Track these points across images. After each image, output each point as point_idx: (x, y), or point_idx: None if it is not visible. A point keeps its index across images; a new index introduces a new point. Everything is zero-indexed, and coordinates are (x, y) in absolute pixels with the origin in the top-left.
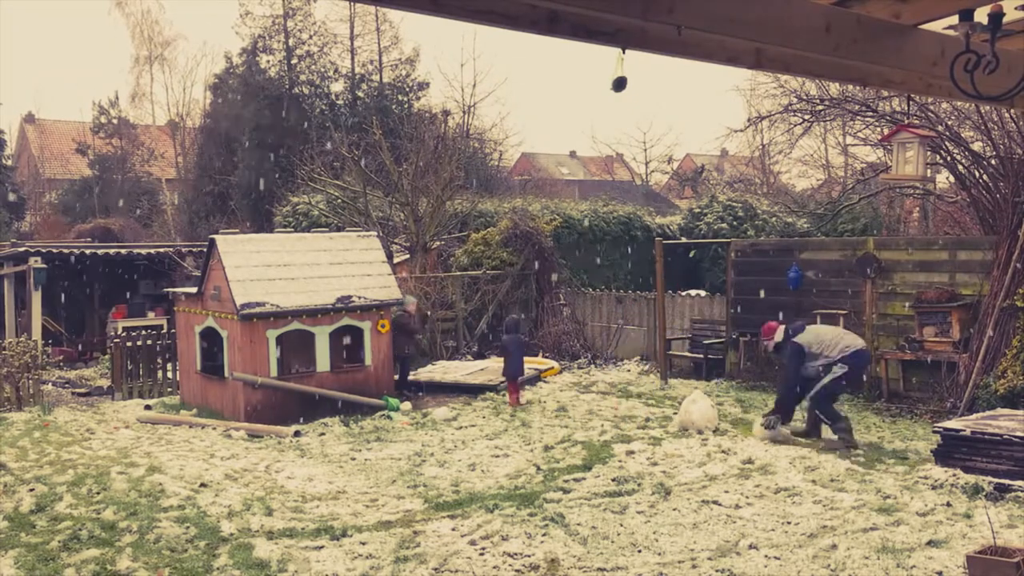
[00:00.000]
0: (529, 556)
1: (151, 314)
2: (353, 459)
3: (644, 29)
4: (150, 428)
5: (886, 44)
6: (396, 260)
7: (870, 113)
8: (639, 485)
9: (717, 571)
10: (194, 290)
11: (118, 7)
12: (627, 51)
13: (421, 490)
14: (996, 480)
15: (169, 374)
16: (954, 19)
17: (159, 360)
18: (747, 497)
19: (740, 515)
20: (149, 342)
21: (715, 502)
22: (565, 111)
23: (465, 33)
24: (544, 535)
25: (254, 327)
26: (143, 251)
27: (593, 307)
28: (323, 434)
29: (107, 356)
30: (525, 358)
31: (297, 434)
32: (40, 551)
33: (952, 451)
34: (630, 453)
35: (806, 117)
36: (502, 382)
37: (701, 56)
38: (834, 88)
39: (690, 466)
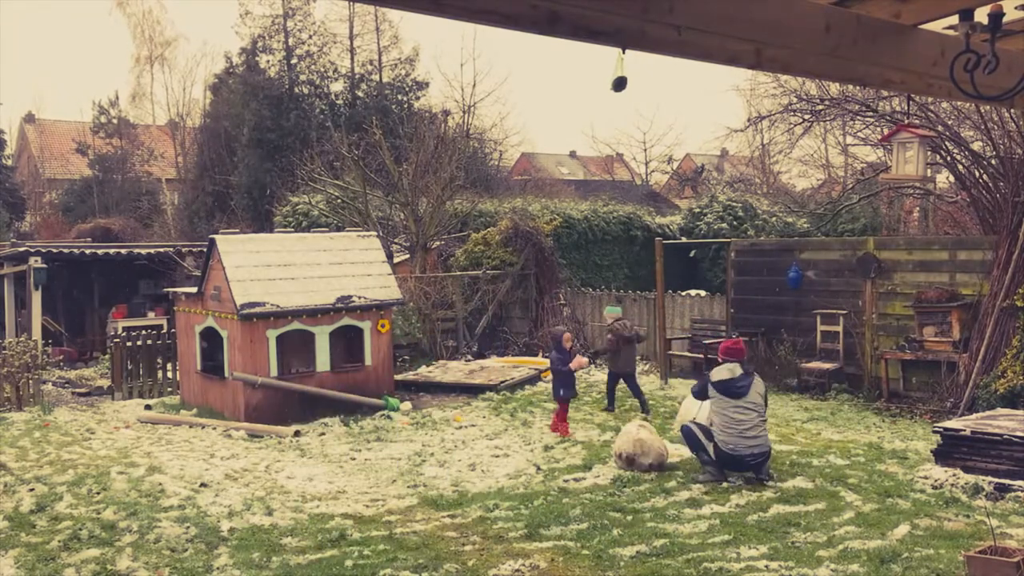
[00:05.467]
0: (529, 556)
1: (151, 314)
2: (353, 459)
3: (644, 29)
4: (150, 428)
5: (886, 44)
6: (396, 260)
7: (870, 113)
8: (639, 485)
9: (718, 571)
10: (194, 290)
11: (119, 7)
12: (627, 51)
13: (421, 490)
14: (996, 480)
15: (169, 374)
16: (954, 19)
17: (159, 360)
18: (748, 497)
19: (741, 514)
20: (149, 342)
21: (715, 501)
22: (565, 111)
23: (465, 33)
24: (544, 535)
25: (254, 327)
26: (143, 251)
27: (593, 307)
28: (323, 434)
29: (107, 356)
30: (524, 358)
31: (297, 434)
32: (40, 551)
33: (952, 451)
34: None
35: (806, 117)
36: (503, 382)
37: (701, 56)
38: (834, 88)
39: (690, 464)
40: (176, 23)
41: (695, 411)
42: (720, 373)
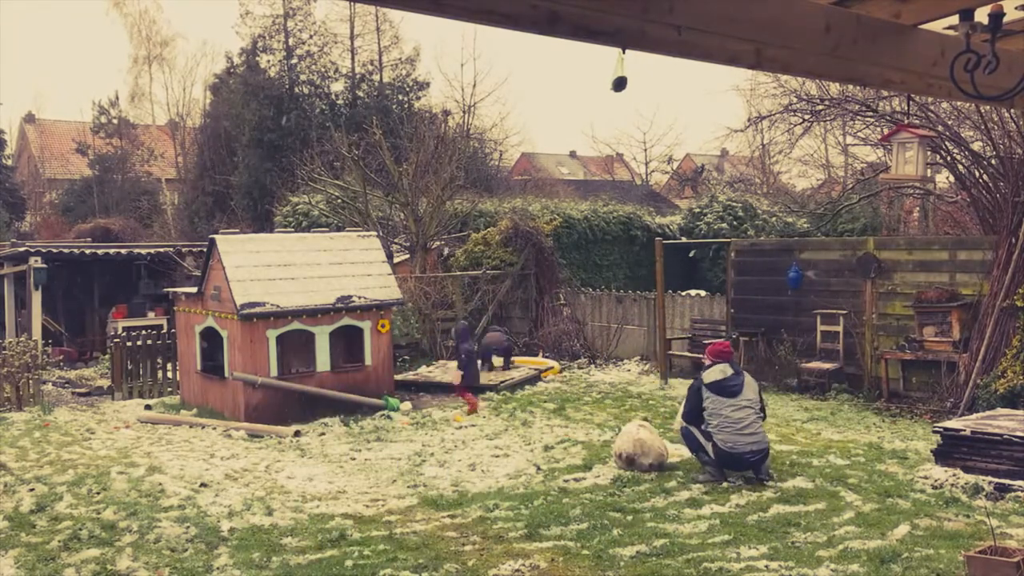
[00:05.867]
0: (529, 556)
1: (151, 314)
2: (353, 459)
3: (644, 29)
4: (150, 428)
5: (886, 44)
6: (396, 260)
7: (870, 113)
8: (639, 485)
9: (718, 571)
10: (194, 290)
11: (115, 7)
12: (627, 51)
13: (421, 490)
14: (996, 480)
15: (169, 374)
16: (954, 19)
17: (159, 360)
18: (748, 497)
19: (741, 514)
20: (149, 342)
21: (715, 501)
22: (565, 111)
23: (465, 33)
24: (544, 535)
25: (254, 327)
26: (143, 251)
27: (593, 307)
28: (323, 434)
29: (107, 356)
30: (526, 358)
31: (297, 434)
32: (40, 551)
33: (952, 451)
34: None
35: (806, 117)
36: (503, 382)
37: (701, 56)
38: (834, 88)
39: (690, 464)
40: (175, 23)
41: None
42: (712, 375)
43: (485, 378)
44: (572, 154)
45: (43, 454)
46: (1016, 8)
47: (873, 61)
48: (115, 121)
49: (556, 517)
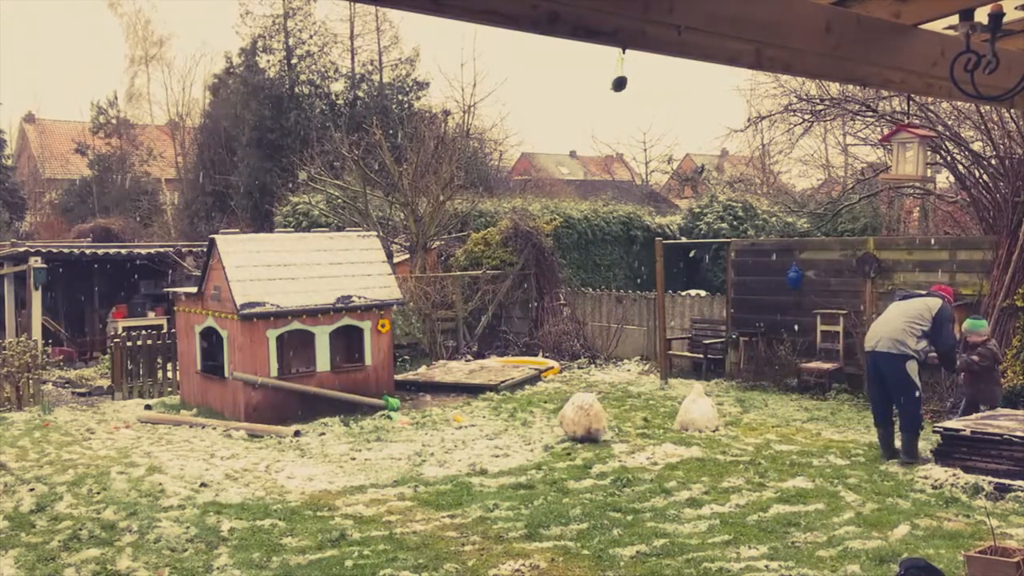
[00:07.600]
0: (529, 556)
1: (151, 314)
2: (353, 459)
3: (644, 29)
4: (150, 428)
5: (886, 44)
6: (396, 260)
7: (870, 113)
8: (639, 485)
9: (718, 571)
10: (194, 290)
11: (110, 7)
12: (627, 51)
13: (421, 490)
14: (996, 480)
15: (169, 374)
16: (954, 19)
17: (159, 360)
18: (748, 497)
19: (741, 514)
20: (149, 342)
21: (716, 501)
22: (565, 111)
23: (465, 33)
24: (544, 535)
25: (254, 327)
26: (143, 251)
27: (593, 307)
28: (323, 434)
29: (107, 356)
30: (526, 358)
31: (297, 434)
32: (40, 551)
33: (952, 451)
34: (630, 453)
35: (806, 117)
36: (503, 382)
37: (701, 56)
38: (834, 88)
39: (690, 464)
40: (173, 23)
41: (695, 411)
42: None
43: (485, 377)
44: (572, 154)
45: (43, 454)
46: (1016, 8)
47: (873, 61)
48: (114, 121)
49: (556, 517)
